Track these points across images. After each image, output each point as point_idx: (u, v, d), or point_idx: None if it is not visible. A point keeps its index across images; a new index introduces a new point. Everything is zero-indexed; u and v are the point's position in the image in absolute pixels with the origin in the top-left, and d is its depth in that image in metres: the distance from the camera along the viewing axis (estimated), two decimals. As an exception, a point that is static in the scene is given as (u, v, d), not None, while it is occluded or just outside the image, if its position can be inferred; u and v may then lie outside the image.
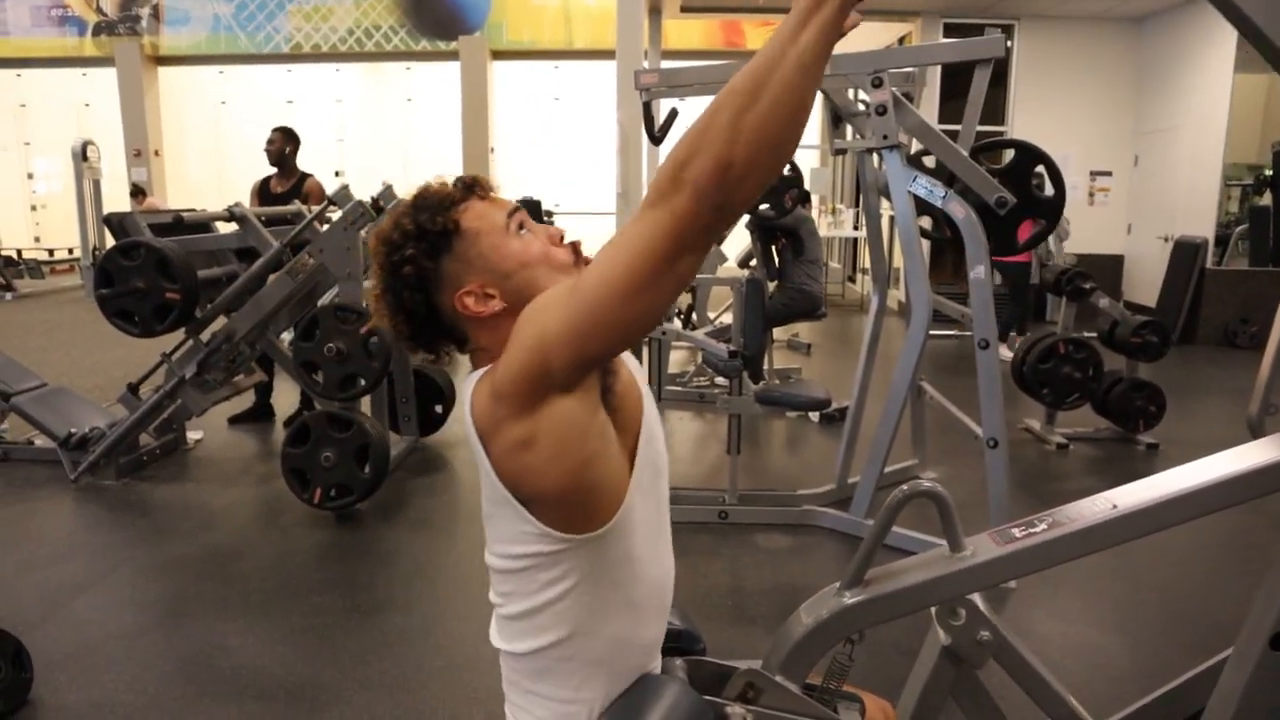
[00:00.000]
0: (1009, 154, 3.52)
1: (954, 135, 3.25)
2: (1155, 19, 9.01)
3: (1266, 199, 8.32)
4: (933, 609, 1.25)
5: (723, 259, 6.77)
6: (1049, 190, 3.36)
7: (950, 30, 9.24)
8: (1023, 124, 9.22)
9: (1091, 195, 9.52)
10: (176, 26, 14.17)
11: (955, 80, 7.96)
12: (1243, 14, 0.76)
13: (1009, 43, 9.14)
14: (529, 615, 1.10)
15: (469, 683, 2.48)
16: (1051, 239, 7.26)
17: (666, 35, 9.52)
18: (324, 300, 4.19)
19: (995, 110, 9.33)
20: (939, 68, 7.77)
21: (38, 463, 4.37)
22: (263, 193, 5.35)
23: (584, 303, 0.91)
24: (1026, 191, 3.28)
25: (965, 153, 3.19)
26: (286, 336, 4.34)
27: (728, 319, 5.35)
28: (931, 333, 3.32)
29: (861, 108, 3.48)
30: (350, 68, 14.57)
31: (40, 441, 4.42)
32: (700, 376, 5.87)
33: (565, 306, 0.93)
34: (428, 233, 1.08)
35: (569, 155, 14.15)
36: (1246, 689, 1.03)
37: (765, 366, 5.34)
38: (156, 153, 14.42)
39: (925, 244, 3.86)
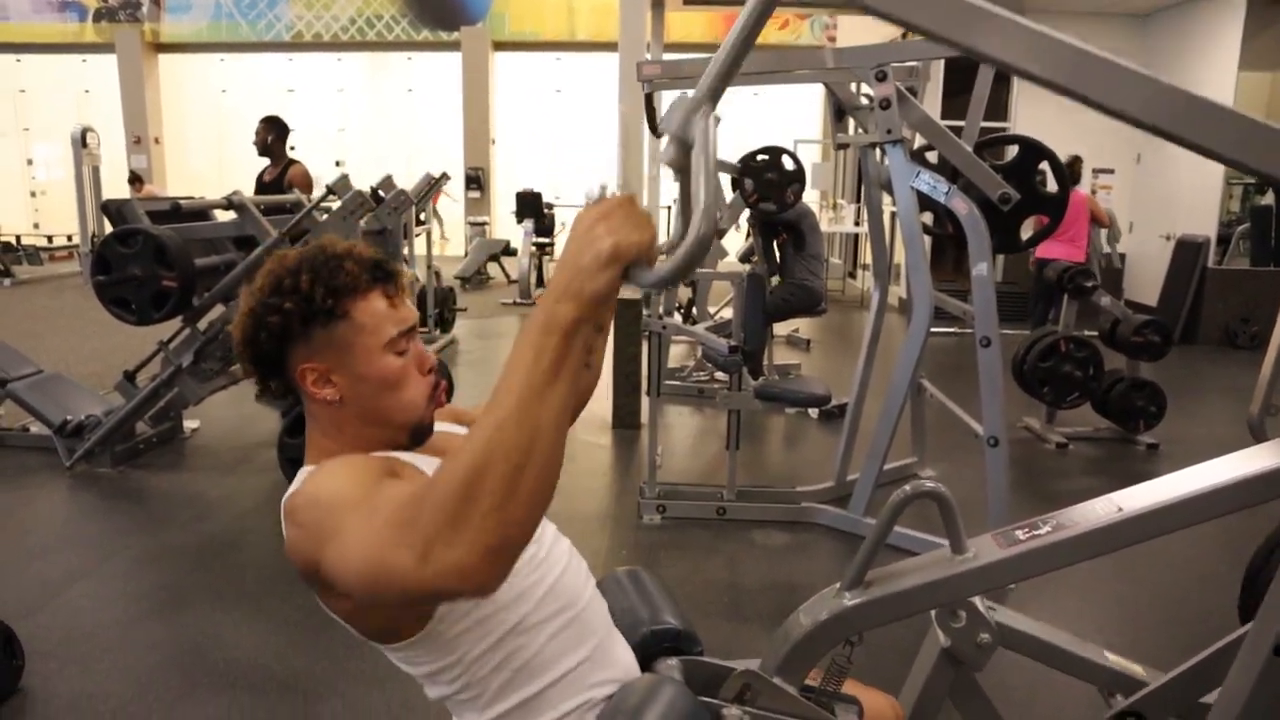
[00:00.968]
0: (1012, 150, 3.50)
1: (957, 131, 3.23)
2: (1160, 15, 8.97)
3: (1268, 198, 8.31)
4: (932, 611, 1.24)
5: (724, 254, 6.74)
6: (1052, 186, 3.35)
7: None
8: (1025, 120, 9.19)
9: (1094, 193, 9.49)
10: (178, 14, 14.13)
11: (959, 76, 7.92)
12: (1220, 155, 0.79)
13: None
14: (439, 675, 1.16)
15: (463, 677, 2.47)
16: (1105, 237, 7.27)
17: (669, 27, 9.47)
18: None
19: (998, 106, 9.29)
20: (942, 63, 7.73)
21: (33, 449, 4.35)
22: (258, 182, 5.39)
23: (375, 550, 0.81)
24: (1030, 188, 3.26)
25: (969, 148, 3.17)
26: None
27: (728, 314, 5.33)
28: (932, 330, 3.31)
29: (865, 102, 3.45)
30: (352, 57, 14.53)
31: (36, 428, 4.40)
32: (700, 371, 5.86)
33: (363, 539, 0.83)
34: (313, 303, 1.04)
35: (570, 147, 14.12)
36: (1250, 696, 1.01)
37: (765, 362, 5.33)
38: (156, 140, 14.40)
39: (927, 240, 3.84)
